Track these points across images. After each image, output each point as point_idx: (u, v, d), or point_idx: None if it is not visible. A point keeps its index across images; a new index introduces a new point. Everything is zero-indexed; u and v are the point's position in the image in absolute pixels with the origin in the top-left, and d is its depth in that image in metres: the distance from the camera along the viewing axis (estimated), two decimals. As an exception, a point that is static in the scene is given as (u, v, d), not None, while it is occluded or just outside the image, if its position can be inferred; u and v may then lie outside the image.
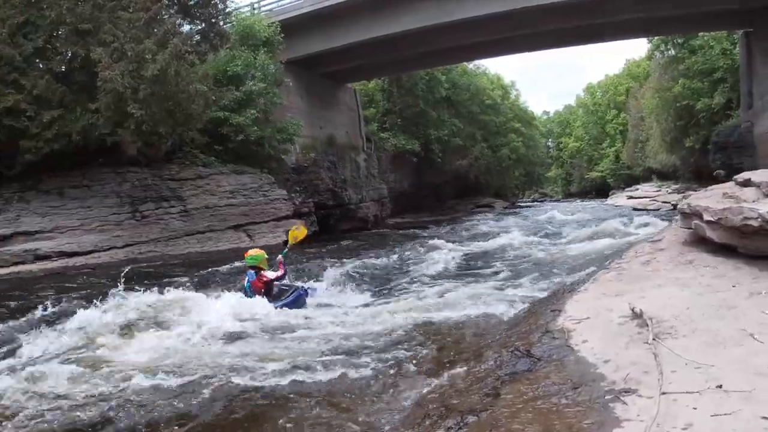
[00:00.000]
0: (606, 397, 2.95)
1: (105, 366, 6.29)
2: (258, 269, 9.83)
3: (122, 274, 9.74)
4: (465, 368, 4.61)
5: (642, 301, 4.40)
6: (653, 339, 3.54)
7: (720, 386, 2.88)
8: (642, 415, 2.65)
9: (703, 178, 35.14)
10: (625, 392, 2.97)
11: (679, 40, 38.71)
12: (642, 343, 3.60)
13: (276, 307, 9.15)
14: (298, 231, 11.61)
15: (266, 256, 10.17)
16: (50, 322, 8.67)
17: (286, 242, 12.21)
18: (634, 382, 3.07)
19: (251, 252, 10.15)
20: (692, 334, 3.69)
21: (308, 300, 10.26)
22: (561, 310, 4.93)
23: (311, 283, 11.61)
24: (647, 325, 3.82)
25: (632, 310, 4.25)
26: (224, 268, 14.77)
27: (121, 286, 9.31)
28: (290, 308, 9.30)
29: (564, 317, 4.64)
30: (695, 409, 2.67)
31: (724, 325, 3.80)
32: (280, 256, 10.60)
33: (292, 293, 10.01)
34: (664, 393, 2.83)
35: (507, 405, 3.17)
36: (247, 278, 9.82)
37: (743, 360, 3.19)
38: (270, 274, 9.81)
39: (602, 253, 13.20)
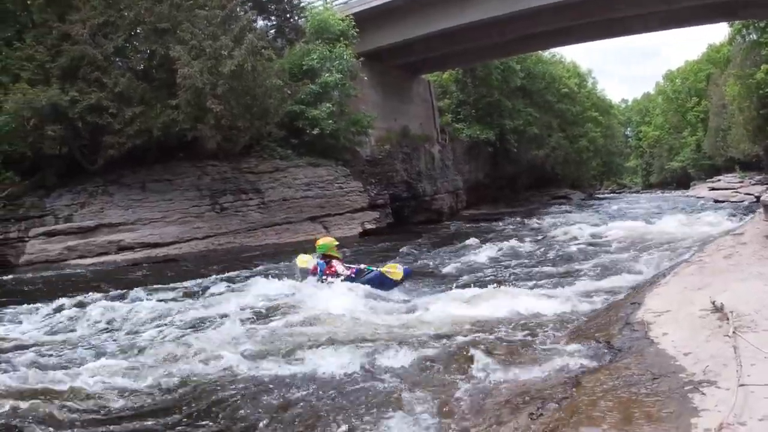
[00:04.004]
0: (685, 388, 2.93)
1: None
2: (329, 257, 10.06)
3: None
4: (544, 358, 4.60)
5: (723, 295, 4.31)
6: (733, 332, 3.48)
7: (800, 380, 2.82)
8: (720, 406, 2.64)
9: (788, 169, 33.96)
10: (705, 384, 2.94)
11: (761, 24, 37.27)
12: (722, 336, 3.54)
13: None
14: (396, 271, 11.24)
15: (336, 243, 10.45)
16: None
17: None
18: (713, 374, 3.04)
19: (321, 240, 10.48)
20: (773, 328, 3.60)
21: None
22: (641, 303, 4.88)
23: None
24: (728, 319, 3.75)
25: (713, 303, 4.16)
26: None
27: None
28: (373, 287, 9.53)
29: (644, 310, 4.59)
30: (772, 401, 2.64)
31: (807, 319, 3.70)
32: (362, 266, 10.69)
33: (369, 273, 10.13)
34: (742, 385, 2.79)
35: (587, 393, 3.18)
36: (318, 267, 10.02)
37: (824, 354, 3.11)
38: (340, 269, 9.95)
39: (683, 247, 12.94)
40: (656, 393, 2.95)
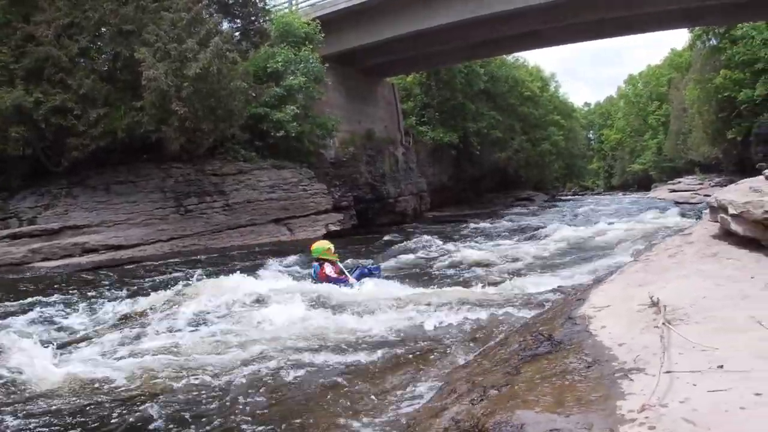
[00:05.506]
0: (615, 375, 3.18)
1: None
2: (322, 261, 10.37)
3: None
4: (492, 352, 4.88)
5: (662, 291, 4.55)
6: (663, 323, 3.75)
7: (721, 366, 3.07)
8: (645, 390, 2.88)
9: (746, 171, 34.60)
10: (634, 371, 3.19)
11: (720, 30, 38.20)
12: (656, 329, 3.80)
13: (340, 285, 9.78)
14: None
15: (328, 246, 10.67)
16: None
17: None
18: (643, 362, 3.29)
19: (315, 245, 10.83)
20: (704, 321, 3.86)
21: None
22: (585, 299, 5.12)
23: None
24: (661, 312, 4.02)
25: (651, 298, 4.44)
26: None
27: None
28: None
29: (587, 305, 4.83)
30: (694, 385, 2.89)
31: (736, 313, 3.97)
32: (357, 271, 10.95)
33: (355, 270, 10.68)
34: (668, 372, 3.04)
35: (525, 381, 3.44)
36: (313, 269, 10.45)
37: (747, 344, 3.35)
38: (329, 272, 10.21)
39: (633, 246, 13.36)
40: (588, 379, 3.20)
